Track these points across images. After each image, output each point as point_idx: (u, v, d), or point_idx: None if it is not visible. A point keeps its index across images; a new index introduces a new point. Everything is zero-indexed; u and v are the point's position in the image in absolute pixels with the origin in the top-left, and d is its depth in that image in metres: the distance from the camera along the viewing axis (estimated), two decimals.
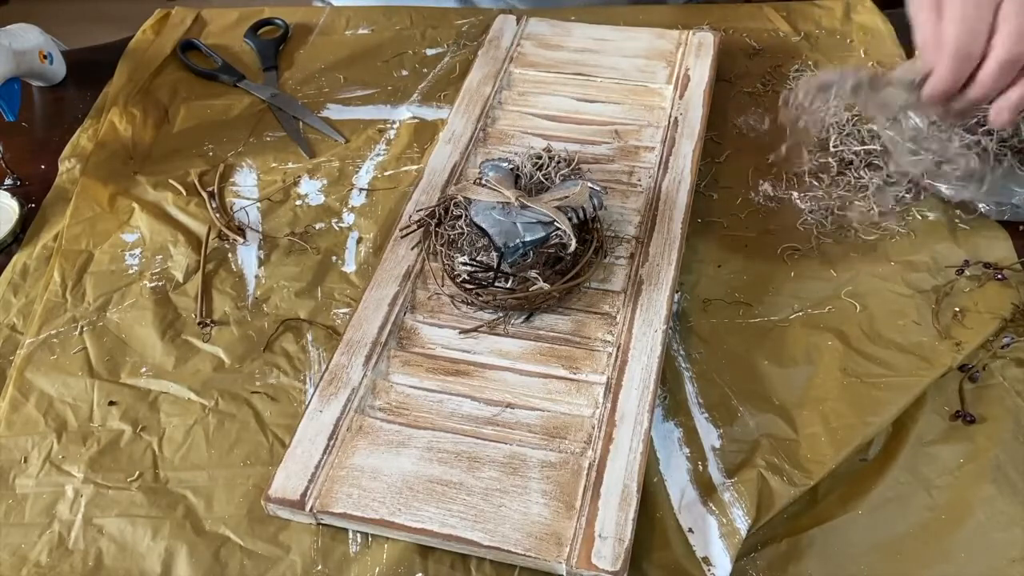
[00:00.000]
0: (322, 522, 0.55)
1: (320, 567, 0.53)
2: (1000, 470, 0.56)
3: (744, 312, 0.66)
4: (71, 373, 0.63)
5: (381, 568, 0.53)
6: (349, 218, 0.74)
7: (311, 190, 0.77)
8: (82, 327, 0.66)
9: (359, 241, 0.72)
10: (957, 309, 0.65)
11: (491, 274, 0.63)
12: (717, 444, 0.58)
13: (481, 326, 0.64)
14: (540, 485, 0.54)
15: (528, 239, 0.62)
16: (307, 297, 0.68)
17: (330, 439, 0.57)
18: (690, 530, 0.54)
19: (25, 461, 0.58)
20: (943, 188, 0.71)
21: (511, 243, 0.62)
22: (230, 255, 0.72)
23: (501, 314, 0.64)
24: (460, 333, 0.64)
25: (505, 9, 0.95)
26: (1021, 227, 0.71)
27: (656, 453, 0.58)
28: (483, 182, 0.66)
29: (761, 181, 0.76)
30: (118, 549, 0.54)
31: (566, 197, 0.64)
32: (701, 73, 0.83)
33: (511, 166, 0.68)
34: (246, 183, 0.78)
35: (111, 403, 0.61)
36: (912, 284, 0.67)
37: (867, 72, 0.66)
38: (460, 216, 0.66)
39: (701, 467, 0.57)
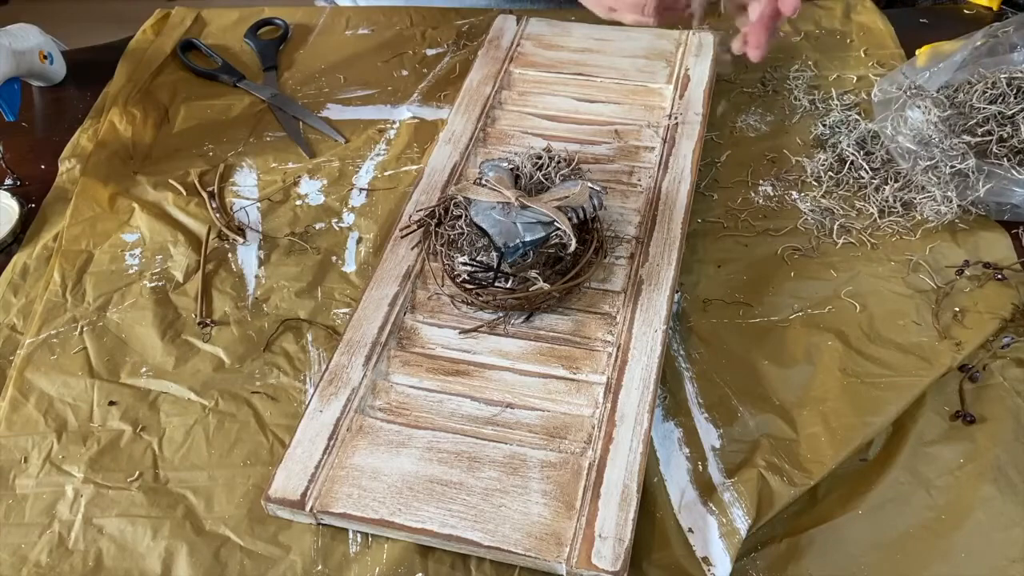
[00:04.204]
0: (322, 522, 0.55)
1: (320, 567, 0.53)
2: (1000, 470, 0.56)
3: (744, 312, 0.66)
4: (71, 373, 0.63)
5: (381, 568, 0.53)
6: (349, 218, 0.74)
7: (311, 190, 0.77)
8: (82, 327, 0.66)
9: (359, 241, 0.72)
10: (957, 309, 0.65)
11: (491, 274, 0.63)
12: (717, 444, 0.58)
13: (481, 326, 0.64)
14: (540, 485, 0.54)
15: (528, 239, 0.62)
16: (307, 297, 0.68)
17: (330, 439, 0.57)
18: (690, 530, 0.54)
19: (25, 461, 0.58)
20: (943, 188, 0.71)
21: (511, 243, 0.62)
22: (230, 255, 0.72)
23: (501, 314, 0.64)
24: (460, 333, 0.64)
25: (505, 9, 0.95)
26: (1021, 227, 0.71)
27: (656, 453, 0.58)
28: (483, 182, 0.66)
29: (761, 181, 0.76)
30: (118, 549, 0.54)
31: (566, 197, 0.64)
32: (701, 73, 0.83)
33: (511, 166, 0.68)
34: (246, 183, 0.78)
35: (111, 403, 0.61)
36: (912, 284, 0.67)
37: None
38: (460, 216, 0.66)
39: (701, 467, 0.57)
